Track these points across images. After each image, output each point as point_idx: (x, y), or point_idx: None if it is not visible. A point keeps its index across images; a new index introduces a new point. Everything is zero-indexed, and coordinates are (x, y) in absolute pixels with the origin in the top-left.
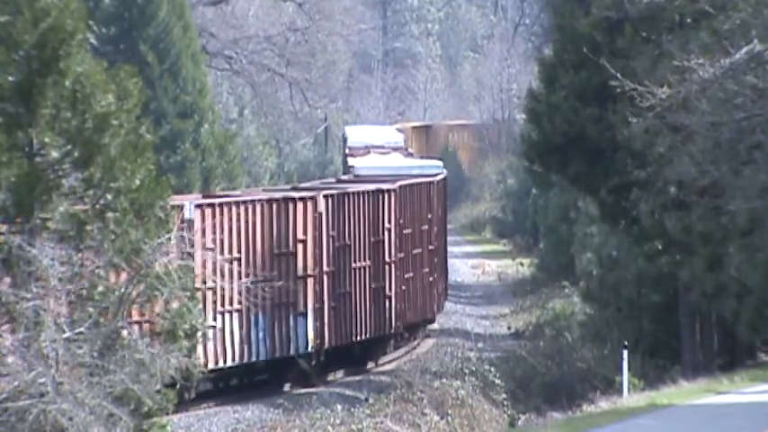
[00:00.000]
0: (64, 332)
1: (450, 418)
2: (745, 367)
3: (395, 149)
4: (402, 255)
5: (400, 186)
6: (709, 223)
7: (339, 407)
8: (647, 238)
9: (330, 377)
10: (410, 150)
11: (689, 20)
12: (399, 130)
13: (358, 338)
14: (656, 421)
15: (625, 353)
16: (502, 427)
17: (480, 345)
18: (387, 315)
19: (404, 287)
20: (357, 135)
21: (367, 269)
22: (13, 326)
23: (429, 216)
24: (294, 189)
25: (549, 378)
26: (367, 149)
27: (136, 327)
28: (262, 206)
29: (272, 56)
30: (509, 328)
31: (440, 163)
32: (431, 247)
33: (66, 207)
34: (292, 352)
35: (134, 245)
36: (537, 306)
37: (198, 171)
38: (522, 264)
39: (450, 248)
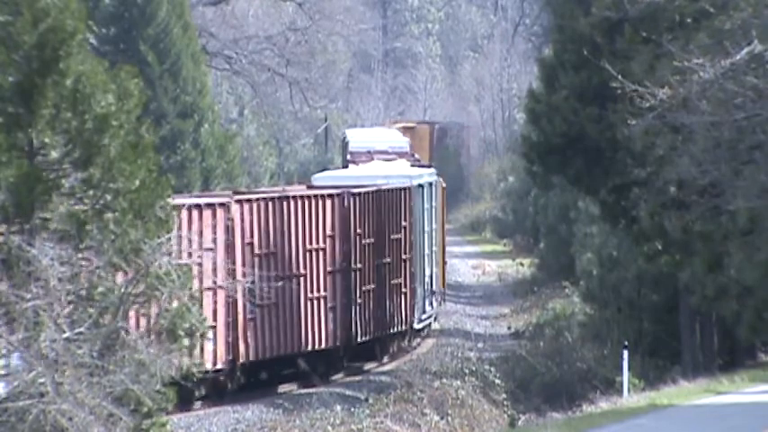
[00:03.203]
0: (64, 332)
1: (450, 418)
2: (746, 367)
3: (400, 155)
4: (250, 278)
5: (239, 201)
6: (708, 223)
7: (339, 407)
8: (646, 238)
9: (330, 377)
10: (417, 156)
11: (689, 20)
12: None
13: None
14: (657, 422)
15: (625, 353)
16: (502, 427)
17: (480, 345)
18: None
19: (251, 315)
20: (359, 139)
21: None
22: (13, 326)
23: (331, 233)
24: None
25: (549, 378)
26: (370, 155)
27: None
28: None
29: (272, 56)
30: (509, 328)
31: (423, 171)
32: (330, 269)
33: (66, 207)
34: None
35: (134, 245)
36: (537, 306)
37: (198, 171)
38: (522, 264)
39: (450, 248)
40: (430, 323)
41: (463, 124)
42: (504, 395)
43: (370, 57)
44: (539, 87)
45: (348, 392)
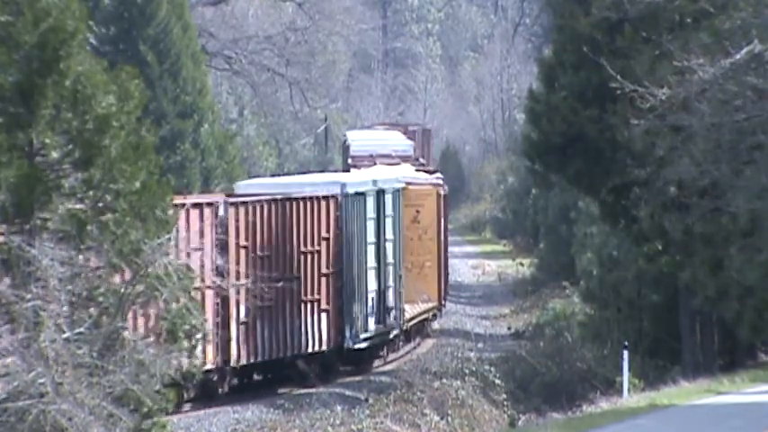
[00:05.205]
0: (64, 332)
1: (450, 418)
2: (746, 368)
3: (404, 159)
4: None
5: None
6: (709, 224)
7: (339, 407)
8: (646, 238)
9: (330, 377)
10: (422, 160)
11: (689, 20)
12: None
13: None
14: (657, 422)
15: (625, 353)
16: (502, 427)
17: (480, 345)
18: None
19: None
20: (361, 142)
21: None
22: (13, 326)
23: (199, 246)
24: None
25: (549, 378)
26: (372, 159)
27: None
28: None
29: (272, 56)
30: (509, 328)
31: (388, 176)
32: (197, 286)
33: (66, 208)
34: None
35: (134, 245)
36: (537, 306)
37: (198, 171)
38: (522, 264)
39: (450, 248)
40: (385, 339)
41: (428, 127)
42: (504, 395)
43: (370, 57)
44: (538, 87)
45: (348, 392)
